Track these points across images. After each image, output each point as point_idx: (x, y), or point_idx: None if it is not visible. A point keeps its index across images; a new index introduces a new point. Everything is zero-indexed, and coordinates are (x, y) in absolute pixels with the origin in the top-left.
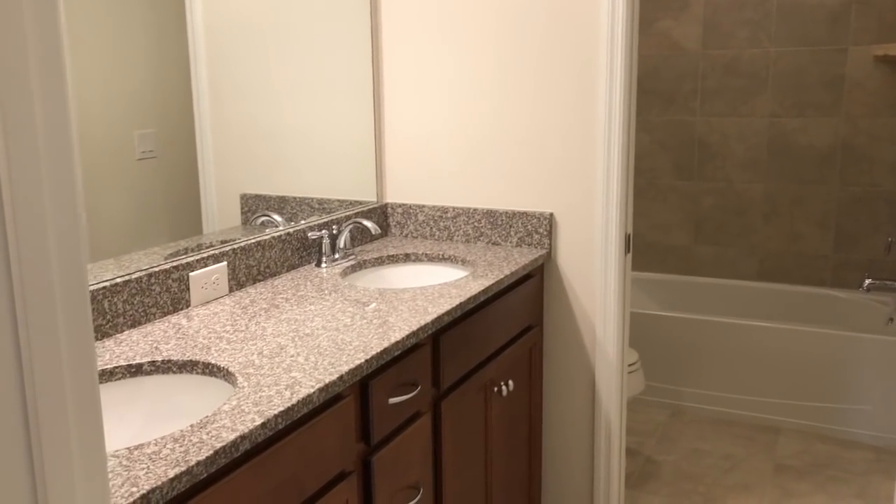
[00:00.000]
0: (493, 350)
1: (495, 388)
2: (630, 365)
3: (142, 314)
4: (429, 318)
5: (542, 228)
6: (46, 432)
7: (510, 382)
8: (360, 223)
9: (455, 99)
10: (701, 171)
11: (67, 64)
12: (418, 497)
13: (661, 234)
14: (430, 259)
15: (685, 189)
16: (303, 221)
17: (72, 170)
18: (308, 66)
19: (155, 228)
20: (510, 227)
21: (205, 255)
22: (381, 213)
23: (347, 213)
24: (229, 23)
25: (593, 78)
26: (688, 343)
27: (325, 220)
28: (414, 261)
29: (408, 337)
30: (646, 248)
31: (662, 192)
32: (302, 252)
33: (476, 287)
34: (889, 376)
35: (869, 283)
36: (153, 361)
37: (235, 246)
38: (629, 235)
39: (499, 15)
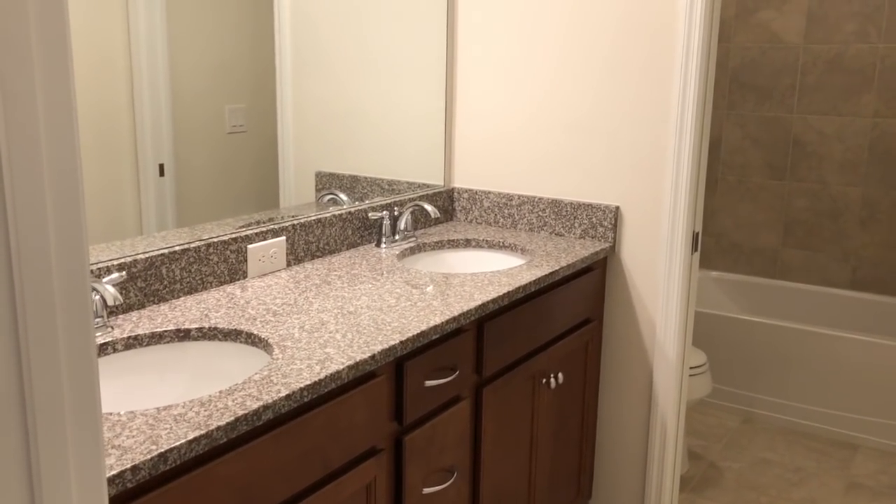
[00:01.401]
0: (544, 341)
1: (544, 380)
2: (697, 367)
3: (199, 282)
4: (473, 305)
5: (606, 221)
6: (43, 433)
7: (560, 375)
8: (421, 206)
9: (525, 86)
10: (794, 171)
11: (164, 35)
12: (452, 480)
13: (747, 234)
14: (490, 246)
15: (776, 189)
16: (367, 202)
17: (75, 160)
18: (386, 46)
19: (238, 201)
20: (574, 218)
21: (265, 228)
22: (448, 198)
23: (411, 196)
24: (314, 1)
25: (668, 66)
26: (767, 349)
27: (388, 201)
28: (474, 247)
29: (447, 322)
30: (731, 247)
31: (752, 191)
32: (363, 231)
33: (528, 277)
34: None
35: None
36: (200, 328)
37: (297, 222)
38: (697, 234)
39: (573, 1)
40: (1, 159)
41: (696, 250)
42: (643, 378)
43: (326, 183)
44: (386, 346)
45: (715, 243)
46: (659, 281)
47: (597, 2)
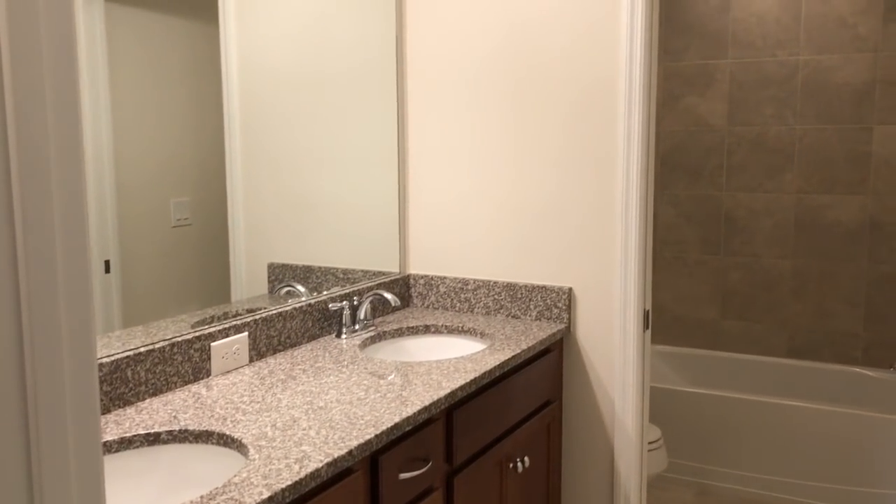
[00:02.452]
0: (509, 425)
1: (511, 465)
2: (652, 442)
3: (163, 383)
4: (442, 393)
5: (561, 303)
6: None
7: (526, 459)
8: (381, 294)
9: (477, 173)
10: (728, 246)
11: (109, 128)
12: None
13: (688, 308)
14: (450, 331)
15: (712, 263)
16: (325, 292)
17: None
18: (336, 137)
19: (186, 296)
20: (530, 300)
21: (227, 325)
22: (404, 284)
23: (369, 285)
24: (263, 94)
25: (612, 154)
26: (715, 420)
27: (347, 291)
28: (434, 332)
29: (420, 412)
30: (673, 322)
31: (689, 266)
32: (323, 323)
33: (492, 361)
34: None
35: None
36: (171, 431)
37: (258, 317)
38: (648, 311)
39: (519, 90)
40: (18, 268)
41: (647, 327)
42: (605, 456)
43: (279, 274)
44: (362, 440)
45: (658, 318)
46: (615, 358)
47: (543, 93)
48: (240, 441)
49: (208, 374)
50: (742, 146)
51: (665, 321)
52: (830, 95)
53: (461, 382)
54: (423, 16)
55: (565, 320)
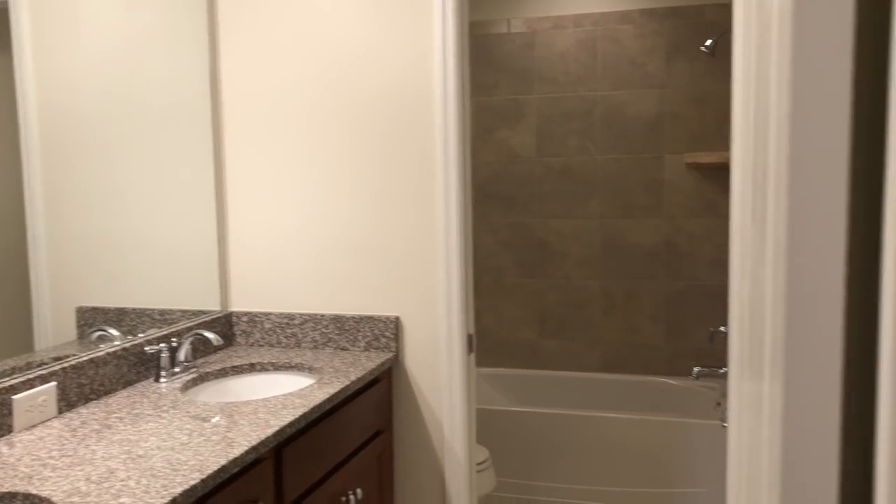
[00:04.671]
0: (341, 458)
1: (343, 498)
2: (480, 463)
3: None
4: (270, 432)
5: (388, 332)
6: None
7: (359, 491)
8: (202, 334)
9: (300, 208)
10: (543, 269)
11: None
12: None
13: (508, 330)
14: (277, 368)
15: (530, 286)
16: (140, 335)
17: None
18: (151, 173)
19: None
20: (357, 331)
21: (31, 375)
22: (226, 323)
23: (189, 325)
24: (69, 129)
25: (431, 186)
26: (537, 437)
27: (165, 332)
28: (259, 370)
29: (247, 452)
30: (496, 344)
31: (508, 290)
32: (140, 367)
33: (321, 395)
34: (720, 459)
35: (698, 371)
36: None
37: (66, 364)
38: (471, 335)
39: (339, 126)
40: None
41: (471, 351)
42: (436, 480)
43: (90, 318)
44: (187, 486)
45: (481, 341)
46: (441, 384)
47: (366, 132)
48: (49, 500)
49: (10, 430)
50: (551, 176)
51: (488, 344)
52: (626, 128)
53: (290, 419)
54: (239, 51)
55: (393, 349)
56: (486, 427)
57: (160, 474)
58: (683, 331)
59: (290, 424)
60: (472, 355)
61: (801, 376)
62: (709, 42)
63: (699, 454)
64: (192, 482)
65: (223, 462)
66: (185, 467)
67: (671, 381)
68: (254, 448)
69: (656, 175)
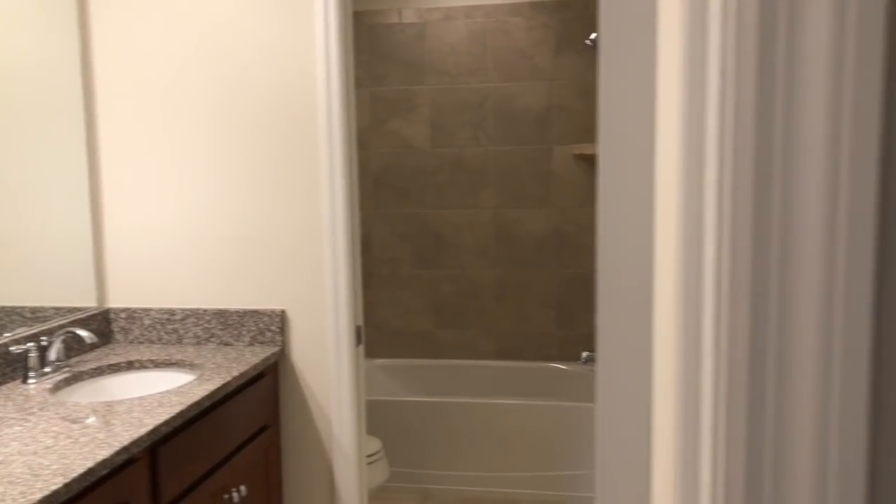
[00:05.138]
0: (223, 456)
1: (226, 496)
2: (372, 454)
3: None
4: (144, 431)
5: (274, 326)
6: None
7: (242, 488)
8: (74, 332)
9: (180, 198)
10: (438, 260)
11: None
12: None
13: (405, 320)
14: (156, 365)
15: (425, 277)
16: (6, 334)
17: None
18: (17, 166)
19: None
20: (242, 326)
21: None
22: (103, 319)
23: (61, 322)
24: None
25: (316, 177)
26: (432, 426)
27: (34, 331)
28: (138, 368)
29: (117, 453)
30: (392, 335)
31: (404, 281)
32: (5, 369)
33: (200, 392)
34: None
35: (586, 356)
36: None
37: None
38: (360, 327)
39: (222, 117)
40: None
41: (360, 343)
42: (325, 474)
43: None
44: (47, 492)
45: (377, 333)
46: (329, 377)
47: (250, 124)
48: None
49: None
50: (444, 167)
51: (385, 335)
52: (516, 119)
53: (165, 417)
54: (112, 38)
55: (279, 343)
56: (381, 418)
57: (19, 480)
58: (573, 317)
59: (166, 423)
60: (361, 347)
61: (612, 359)
62: (594, 35)
63: (589, 437)
64: (54, 487)
65: (90, 464)
66: (48, 472)
67: (562, 367)
68: (125, 448)
69: (546, 166)
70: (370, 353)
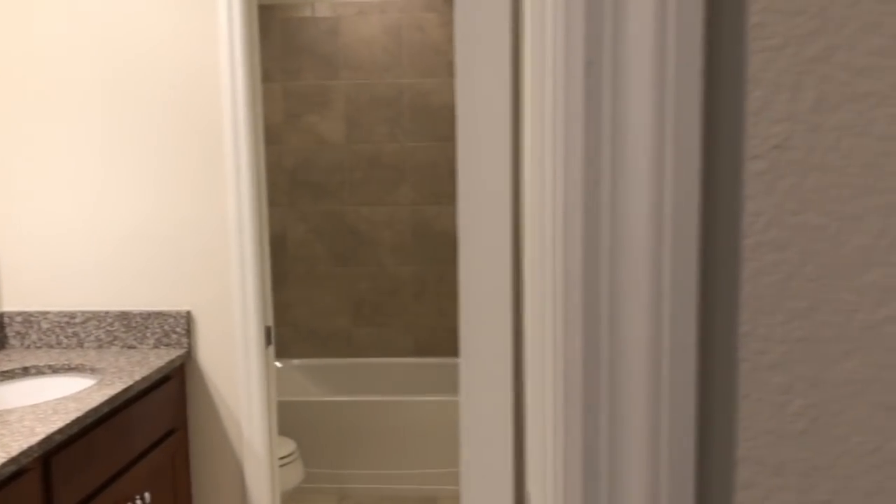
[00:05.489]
0: (125, 462)
1: (128, 503)
2: (286, 456)
3: None
4: (35, 440)
5: (179, 328)
6: None
7: (146, 495)
8: None
9: (79, 195)
10: (356, 257)
11: None
12: None
13: (323, 319)
14: (54, 371)
15: (343, 275)
16: None
17: None
18: None
19: None
20: (146, 328)
21: None
22: None
23: None
24: None
25: (222, 175)
26: (350, 425)
27: None
28: (35, 374)
29: (4, 465)
30: (309, 334)
31: (321, 279)
32: None
33: (99, 398)
34: None
35: None
36: None
37: None
38: (269, 328)
39: (124, 113)
40: None
41: (270, 343)
42: (235, 478)
43: None
44: None
45: (294, 333)
46: (238, 379)
47: (152, 121)
48: None
49: None
50: (361, 163)
51: (302, 335)
52: (433, 115)
53: (60, 425)
54: (4, 25)
55: (186, 345)
56: (298, 419)
57: None
58: None
59: (61, 431)
60: (271, 348)
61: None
62: None
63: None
64: None
65: None
66: None
67: None
68: (13, 460)
69: None
70: (287, 353)
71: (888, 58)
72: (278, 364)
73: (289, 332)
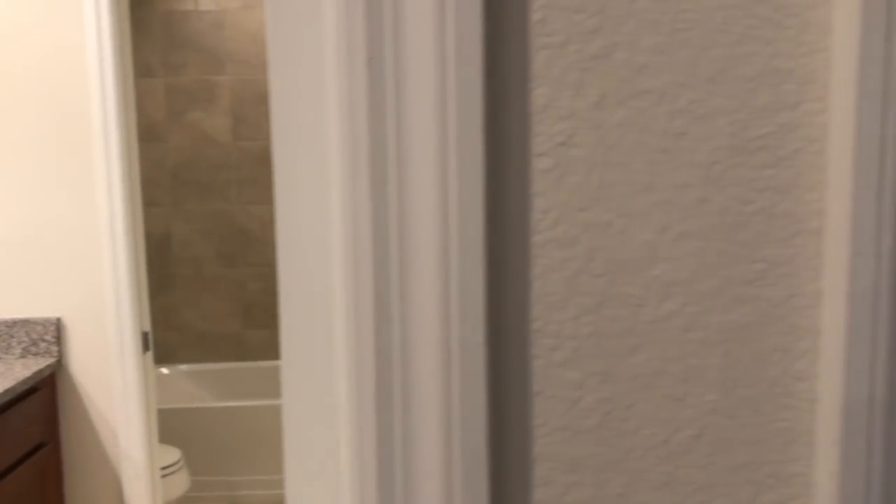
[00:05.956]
0: None
1: None
2: (170, 466)
3: None
4: None
5: (49, 335)
6: None
7: None
8: None
9: None
10: (245, 258)
11: None
12: None
13: (211, 323)
14: None
15: (231, 276)
16: None
17: None
18: None
19: None
20: (11, 336)
21: None
22: None
23: None
24: None
25: (90, 177)
26: (238, 431)
27: None
28: None
29: None
30: (197, 338)
31: (209, 281)
32: None
33: None
34: None
35: None
36: None
37: None
38: (147, 333)
39: None
40: None
41: (147, 349)
42: (113, 491)
43: None
44: None
45: (181, 337)
46: (114, 387)
47: (15, 123)
48: None
49: None
50: (248, 161)
51: (189, 339)
52: None
53: None
54: None
55: (56, 354)
56: (185, 427)
57: None
58: None
59: None
60: (150, 354)
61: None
62: None
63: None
64: None
65: None
66: None
67: None
68: None
69: None
70: (174, 358)
71: (666, 55)
72: (164, 370)
73: (175, 337)
